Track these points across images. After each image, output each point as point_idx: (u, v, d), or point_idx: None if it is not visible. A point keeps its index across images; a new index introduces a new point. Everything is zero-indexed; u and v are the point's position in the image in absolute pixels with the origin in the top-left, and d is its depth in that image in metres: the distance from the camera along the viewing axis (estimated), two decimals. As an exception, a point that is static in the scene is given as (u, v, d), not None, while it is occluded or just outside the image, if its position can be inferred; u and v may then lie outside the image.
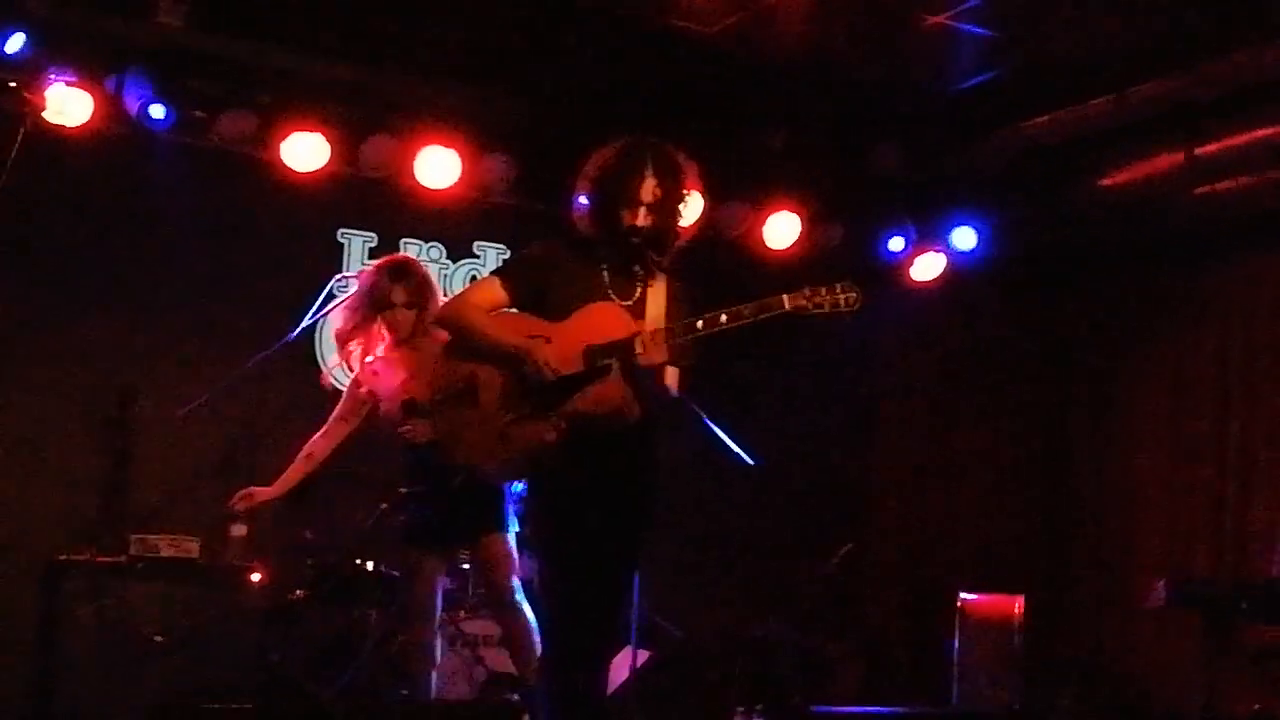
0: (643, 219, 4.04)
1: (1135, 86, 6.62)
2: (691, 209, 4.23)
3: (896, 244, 7.79)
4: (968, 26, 6.35)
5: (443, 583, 5.53)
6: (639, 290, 4.10)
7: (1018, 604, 7.07)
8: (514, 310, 4.13)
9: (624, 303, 4.06)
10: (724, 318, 3.91)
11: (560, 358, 3.97)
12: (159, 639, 5.75)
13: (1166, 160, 6.90)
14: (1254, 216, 7.17)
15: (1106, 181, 7.18)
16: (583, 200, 4.14)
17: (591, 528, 4.01)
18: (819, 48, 6.73)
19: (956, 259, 7.80)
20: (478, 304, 4.12)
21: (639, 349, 3.89)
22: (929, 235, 7.80)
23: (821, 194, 7.68)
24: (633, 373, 3.95)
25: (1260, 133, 6.51)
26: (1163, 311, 7.97)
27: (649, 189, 4.04)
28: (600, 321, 4.00)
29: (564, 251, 4.15)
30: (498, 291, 4.11)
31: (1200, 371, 7.71)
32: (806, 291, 3.90)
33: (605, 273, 4.10)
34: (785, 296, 3.89)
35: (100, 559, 5.88)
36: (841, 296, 3.89)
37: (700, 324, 3.92)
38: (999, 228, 7.73)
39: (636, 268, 4.12)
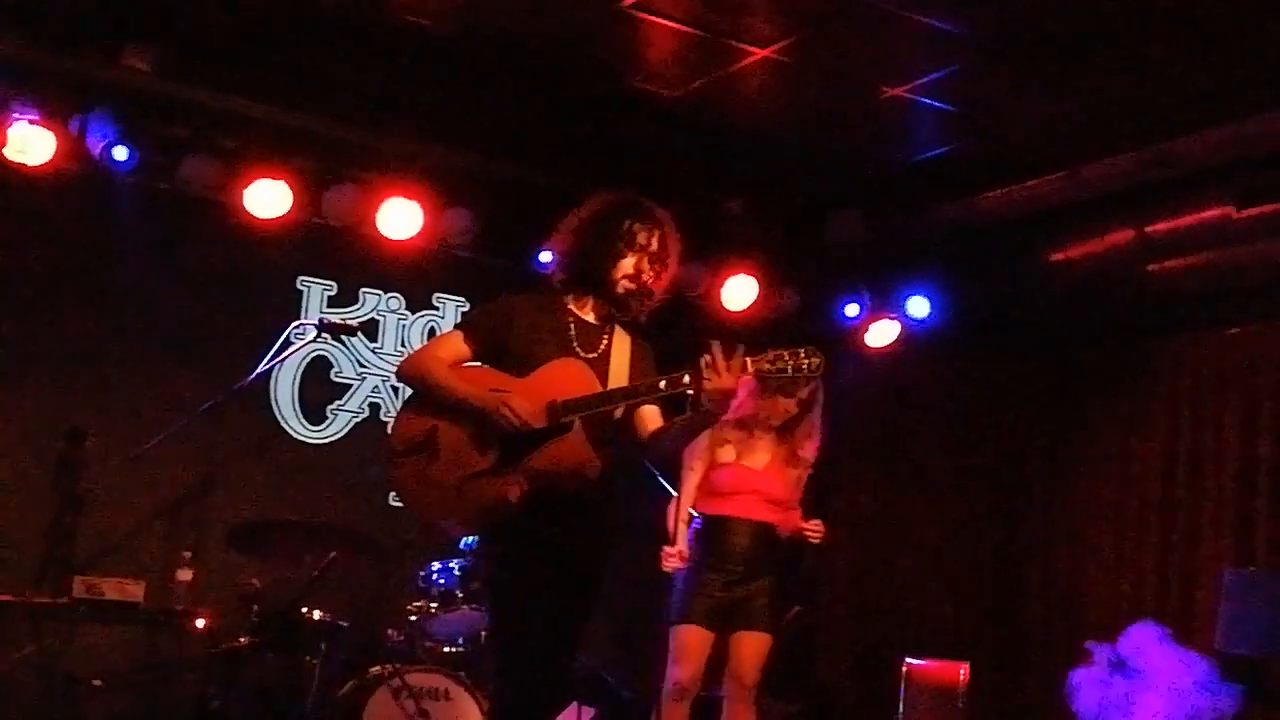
0: (634, 270, 4.07)
1: (1088, 164, 6.76)
2: (671, 271, 4.21)
3: (852, 310, 7.89)
4: (927, 100, 6.46)
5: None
6: (604, 343, 4.11)
7: (963, 670, 7.10)
8: (477, 364, 4.12)
9: (588, 355, 4.07)
10: (687, 379, 3.92)
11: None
12: (98, 683, 5.68)
13: (1118, 237, 7.03)
14: (1202, 294, 7.31)
15: (1059, 256, 7.30)
16: (562, 249, 4.16)
17: (548, 581, 3.99)
18: (779, 115, 6.84)
19: (910, 327, 7.90)
20: (441, 358, 4.10)
21: (706, 375, 3.81)
22: (884, 302, 7.89)
23: (779, 258, 7.77)
24: (695, 404, 3.91)
25: (1208, 213, 6.65)
26: (1113, 384, 8.09)
27: (647, 239, 4.08)
28: (562, 378, 3.99)
29: (529, 304, 4.14)
30: (460, 346, 4.11)
31: (1149, 444, 7.82)
32: (770, 355, 3.88)
33: (572, 326, 4.11)
34: (749, 359, 3.91)
35: (40, 600, 5.81)
36: (805, 361, 3.87)
37: (664, 384, 3.92)
38: (953, 297, 7.84)
39: (605, 322, 4.14)
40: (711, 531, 5.47)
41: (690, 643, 5.40)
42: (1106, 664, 6.30)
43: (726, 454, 5.53)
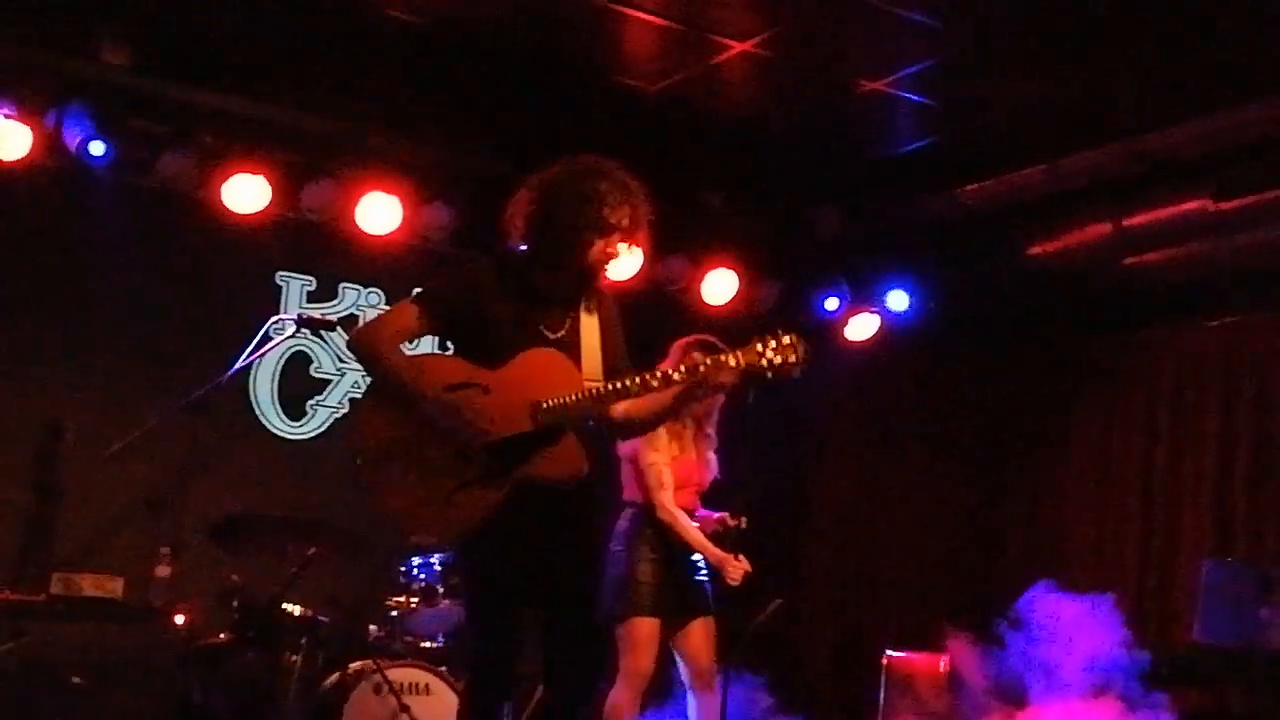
0: (605, 254, 3.91)
1: (1066, 158, 6.78)
2: (643, 237, 4.06)
3: (832, 303, 7.91)
4: (905, 94, 6.48)
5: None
6: (570, 320, 3.94)
7: (943, 662, 7.12)
8: (447, 354, 4.01)
9: (556, 335, 3.89)
10: (677, 376, 3.82)
11: (501, 412, 3.77)
12: (77, 680, 5.65)
13: (1095, 230, 7.06)
14: (1181, 286, 7.34)
15: (1037, 249, 7.32)
16: (523, 224, 3.94)
17: (529, 586, 3.89)
18: (759, 109, 6.85)
19: (890, 320, 7.92)
20: (395, 337, 3.90)
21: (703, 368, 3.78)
22: (864, 296, 7.91)
23: (759, 252, 7.78)
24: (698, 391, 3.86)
25: (1185, 206, 6.68)
26: (1092, 377, 8.12)
27: (618, 219, 3.91)
28: (541, 370, 3.82)
29: (494, 276, 3.95)
30: (411, 320, 3.91)
31: (1128, 437, 7.85)
32: (758, 347, 3.79)
33: (538, 303, 3.92)
34: (740, 353, 3.80)
35: (18, 597, 5.78)
36: (789, 351, 3.79)
37: (656, 382, 3.82)
38: (932, 290, 7.86)
39: (572, 297, 3.95)
40: (654, 523, 5.42)
41: (649, 633, 5.40)
42: (1015, 634, 6.32)
43: (674, 447, 5.50)
